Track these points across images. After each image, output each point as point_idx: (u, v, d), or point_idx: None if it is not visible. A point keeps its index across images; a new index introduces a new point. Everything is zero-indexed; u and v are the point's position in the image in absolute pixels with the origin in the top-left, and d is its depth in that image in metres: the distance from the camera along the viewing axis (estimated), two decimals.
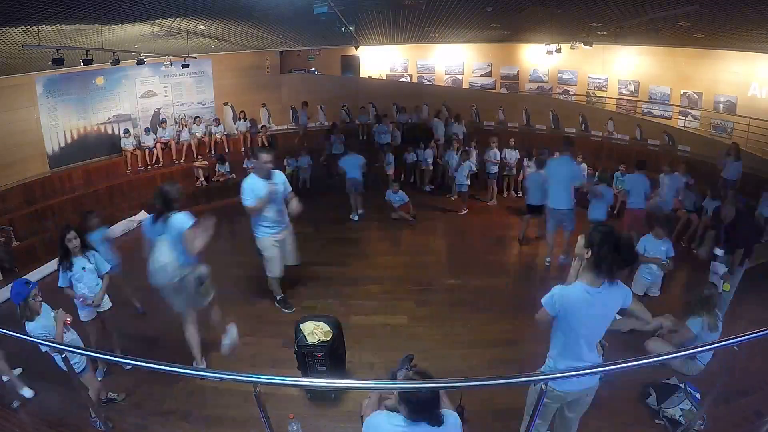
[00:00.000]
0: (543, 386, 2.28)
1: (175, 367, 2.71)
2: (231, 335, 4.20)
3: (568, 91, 12.51)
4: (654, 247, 4.92)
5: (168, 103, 10.31)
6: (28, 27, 5.13)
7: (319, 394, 3.85)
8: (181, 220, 3.68)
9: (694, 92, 10.48)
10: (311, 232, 7.73)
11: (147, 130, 9.75)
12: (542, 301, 2.45)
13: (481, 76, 13.33)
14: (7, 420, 3.56)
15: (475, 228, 7.96)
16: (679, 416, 3.38)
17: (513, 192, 9.22)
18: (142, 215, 8.32)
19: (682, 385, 3.56)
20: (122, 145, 9.34)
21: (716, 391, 2.83)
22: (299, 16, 6.75)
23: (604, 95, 11.96)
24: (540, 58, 11.96)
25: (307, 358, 3.79)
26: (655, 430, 3.42)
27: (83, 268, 3.90)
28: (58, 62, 5.96)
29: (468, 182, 8.18)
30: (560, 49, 9.95)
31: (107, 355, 3.32)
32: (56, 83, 8.47)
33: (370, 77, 13.64)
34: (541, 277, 6.22)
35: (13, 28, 5.04)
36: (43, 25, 5.20)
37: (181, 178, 9.55)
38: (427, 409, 2.03)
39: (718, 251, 4.65)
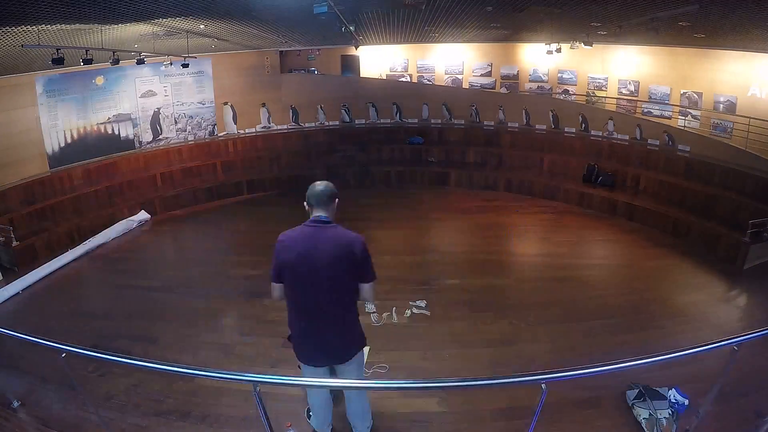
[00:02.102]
0: (543, 386, 2.28)
1: (175, 367, 2.72)
2: None
3: (568, 90, 12.51)
4: None
5: (168, 102, 10.31)
6: (28, 27, 5.13)
7: None
8: None
9: (694, 92, 10.48)
10: None
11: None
12: None
13: (481, 75, 13.33)
14: (7, 420, 3.56)
15: (475, 228, 7.96)
16: (642, 419, 3.38)
17: None
18: (142, 215, 8.34)
19: (671, 392, 3.56)
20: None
21: (716, 391, 2.83)
22: (299, 16, 6.74)
23: (604, 95, 11.96)
24: (540, 58, 11.95)
25: None
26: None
27: None
28: (58, 62, 5.95)
29: None
30: (560, 48, 9.96)
31: (108, 355, 3.31)
32: (56, 83, 8.46)
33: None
34: (542, 277, 6.22)
35: (13, 28, 5.04)
36: (43, 25, 5.19)
37: (182, 177, 9.58)
38: None
39: None
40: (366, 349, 3.33)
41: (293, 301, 2.68)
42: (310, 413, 3.30)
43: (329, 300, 2.61)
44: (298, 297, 2.65)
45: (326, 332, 2.69)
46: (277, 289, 2.67)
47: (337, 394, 3.40)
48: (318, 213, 2.61)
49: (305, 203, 2.66)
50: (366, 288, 2.65)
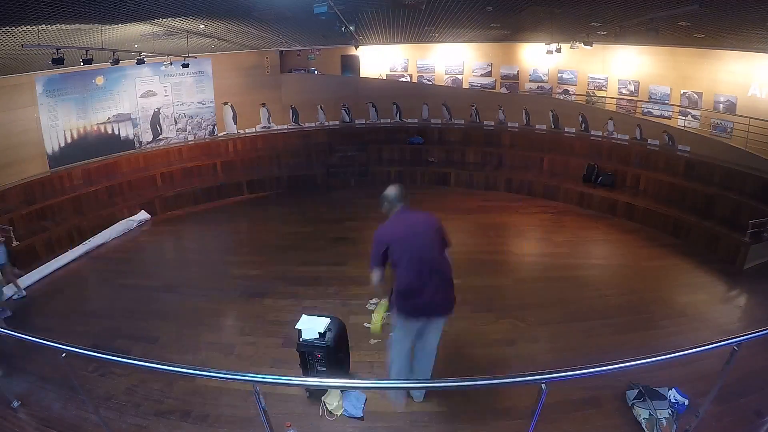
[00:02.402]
0: (543, 386, 2.28)
1: (175, 367, 2.72)
2: None
3: (568, 90, 12.51)
4: None
5: (168, 102, 10.31)
6: (28, 27, 5.13)
7: (319, 394, 3.85)
8: None
9: (694, 92, 10.48)
10: (311, 231, 7.75)
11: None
12: None
13: (481, 75, 13.33)
14: (7, 420, 3.57)
15: (475, 228, 7.96)
16: (642, 419, 3.38)
17: None
18: (142, 215, 8.34)
19: (671, 392, 3.56)
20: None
21: (716, 391, 2.83)
22: (299, 16, 6.74)
23: (604, 95, 11.96)
24: (540, 58, 11.95)
25: (307, 358, 3.79)
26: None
27: None
28: (58, 62, 5.95)
29: None
30: (560, 49, 9.94)
31: (108, 355, 3.32)
32: (56, 83, 8.46)
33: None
34: (542, 277, 6.22)
35: (13, 28, 5.04)
36: (43, 25, 5.19)
37: (182, 177, 9.59)
38: None
39: None
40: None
41: (408, 265, 3.27)
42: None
43: (436, 256, 3.35)
44: (414, 261, 3.27)
45: (439, 288, 3.31)
46: (378, 273, 3.38)
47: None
48: (401, 205, 3.48)
49: (385, 204, 3.50)
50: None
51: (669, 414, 3.37)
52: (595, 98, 11.99)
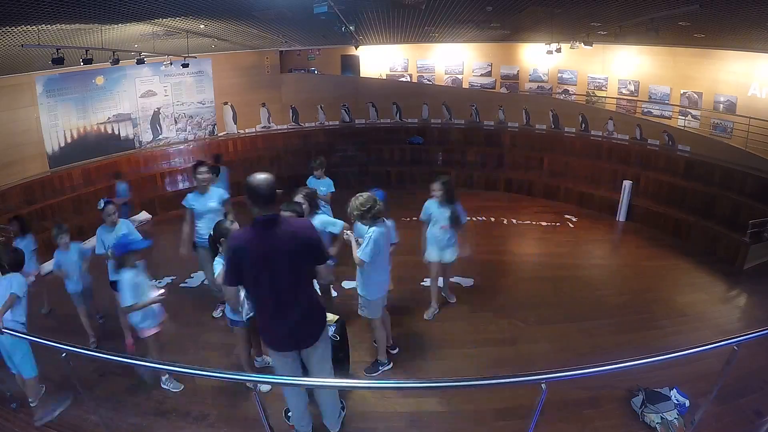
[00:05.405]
0: (543, 386, 2.28)
1: (175, 367, 2.72)
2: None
3: (568, 90, 12.51)
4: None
5: (168, 102, 10.31)
6: (28, 27, 5.13)
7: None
8: None
9: (694, 92, 10.47)
10: None
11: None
12: None
13: (481, 75, 13.32)
14: (7, 420, 3.57)
15: (475, 228, 7.95)
16: (656, 423, 3.36)
17: None
18: (143, 215, 8.33)
19: (672, 392, 3.55)
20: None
21: (716, 391, 2.83)
22: (299, 16, 6.74)
23: (604, 95, 11.96)
24: (540, 58, 11.95)
25: None
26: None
27: None
28: (58, 62, 5.95)
29: None
30: (560, 48, 9.94)
31: (108, 355, 3.32)
32: (56, 83, 8.46)
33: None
34: (542, 277, 6.22)
35: (13, 27, 5.04)
36: (43, 25, 5.19)
37: (182, 177, 9.58)
38: None
39: None
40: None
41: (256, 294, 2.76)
42: (289, 413, 3.33)
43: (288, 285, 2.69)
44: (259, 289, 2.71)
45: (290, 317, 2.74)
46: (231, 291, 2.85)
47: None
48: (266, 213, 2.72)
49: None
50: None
51: (677, 414, 3.37)
52: (595, 98, 11.99)
